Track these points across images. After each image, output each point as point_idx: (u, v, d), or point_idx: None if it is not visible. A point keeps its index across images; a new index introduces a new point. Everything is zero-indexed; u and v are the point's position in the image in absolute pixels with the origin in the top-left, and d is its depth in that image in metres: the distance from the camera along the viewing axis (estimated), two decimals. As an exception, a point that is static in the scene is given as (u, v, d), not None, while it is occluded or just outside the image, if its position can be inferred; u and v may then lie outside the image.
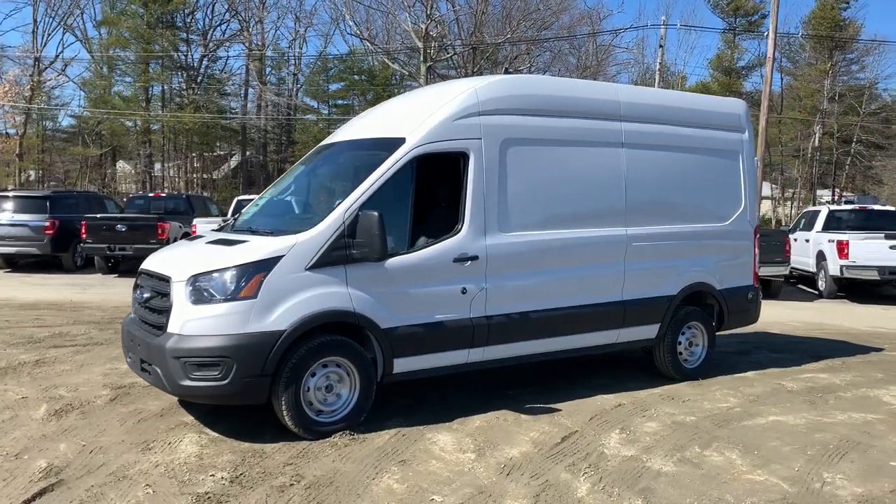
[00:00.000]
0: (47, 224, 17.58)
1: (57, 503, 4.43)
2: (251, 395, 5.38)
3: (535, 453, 5.41)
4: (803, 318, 13.33)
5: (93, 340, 9.14)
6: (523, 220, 6.49)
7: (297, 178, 7.07)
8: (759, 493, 4.78)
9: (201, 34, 46.24)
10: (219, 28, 47.40)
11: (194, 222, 17.45)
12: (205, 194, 38.46)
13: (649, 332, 7.41)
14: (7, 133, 46.63)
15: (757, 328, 11.54)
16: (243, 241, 5.72)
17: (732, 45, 44.54)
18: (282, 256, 5.41)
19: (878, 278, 15.75)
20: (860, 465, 5.31)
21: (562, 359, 7.68)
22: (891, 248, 15.37)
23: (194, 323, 5.31)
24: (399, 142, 6.05)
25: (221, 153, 51.61)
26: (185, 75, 46.08)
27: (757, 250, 8.31)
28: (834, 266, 16.01)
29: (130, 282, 6.62)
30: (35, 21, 44.11)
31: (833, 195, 44.66)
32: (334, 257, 5.56)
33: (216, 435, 5.64)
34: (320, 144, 7.37)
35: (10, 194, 19.07)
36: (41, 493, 4.53)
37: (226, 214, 17.88)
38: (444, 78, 50.48)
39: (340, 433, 5.60)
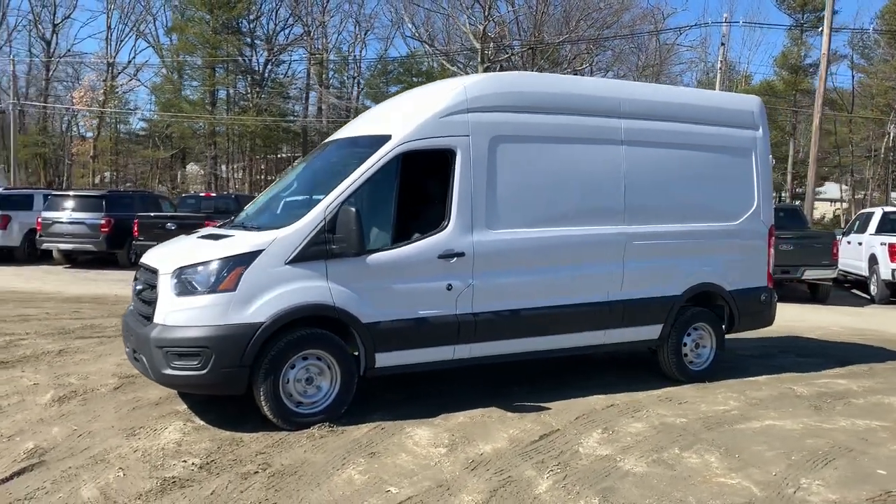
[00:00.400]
0: (103, 222, 18.30)
1: (32, 482, 4.66)
2: (230, 385, 5.53)
3: (508, 450, 5.40)
4: (847, 324, 12.85)
5: (119, 332, 9.49)
6: (514, 217, 6.48)
7: (295, 175, 7.23)
8: (724, 497, 4.67)
9: (265, 39, 47.39)
10: (282, 33, 48.54)
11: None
12: (255, 194, 39.38)
13: (651, 332, 7.29)
14: (83, 136, 48.83)
15: (792, 332, 11.30)
16: (228, 236, 5.90)
17: (799, 42, 43.16)
18: (261, 251, 5.55)
19: (933, 283, 15.07)
20: (844, 472, 5.12)
21: (565, 357, 7.69)
22: (946, 251, 14.68)
23: (177, 314, 5.50)
24: (385, 139, 6.13)
25: (285, 156, 52.79)
26: (249, 79, 47.32)
27: (772, 250, 8.05)
28: (885, 270, 15.38)
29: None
30: (109, 28, 46.10)
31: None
32: (315, 252, 5.67)
33: (202, 423, 5.82)
34: (322, 143, 7.51)
35: (70, 193, 19.92)
36: (20, 472, 4.78)
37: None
38: (504, 79, 50.52)
39: (320, 425, 5.70)
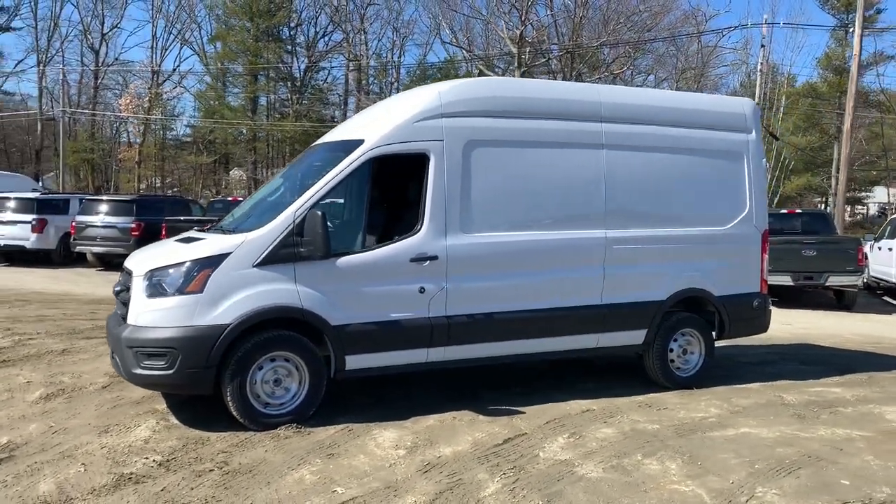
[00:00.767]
0: (133, 226, 18.79)
1: (-3, 475, 4.84)
2: (196, 385, 5.67)
3: (468, 453, 5.43)
4: (866, 331, 12.52)
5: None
6: (489, 221, 6.50)
7: (279, 179, 7.37)
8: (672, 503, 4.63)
9: (305, 46, 48.10)
10: (322, 40, 49.19)
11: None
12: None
13: (635, 337, 7.23)
14: (129, 142, 50.14)
15: (805, 339, 11.08)
16: (200, 240, 6.04)
17: (843, 43, 42.06)
18: (229, 254, 5.68)
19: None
20: (805, 482, 5.02)
21: (555, 361, 7.68)
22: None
23: (147, 315, 5.66)
24: (357, 143, 6.22)
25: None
26: (289, 85, 48.06)
27: (766, 256, 7.91)
28: (914, 276, 14.93)
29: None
30: (154, 37, 47.28)
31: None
32: (283, 255, 5.77)
33: (175, 422, 5.97)
34: (309, 147, 7.63)
35: (103, 198, 20.50)
36: (-12, 466, 4.97)
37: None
38: (542, 83, 50.40)
39: (287, 426, 5.80)
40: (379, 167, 6.20)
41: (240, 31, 44.43)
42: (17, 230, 19.47)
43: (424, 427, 6.00)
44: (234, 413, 5.72)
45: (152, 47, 48.05)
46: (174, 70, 49.65)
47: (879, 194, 51.37)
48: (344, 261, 5.97)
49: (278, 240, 5.76)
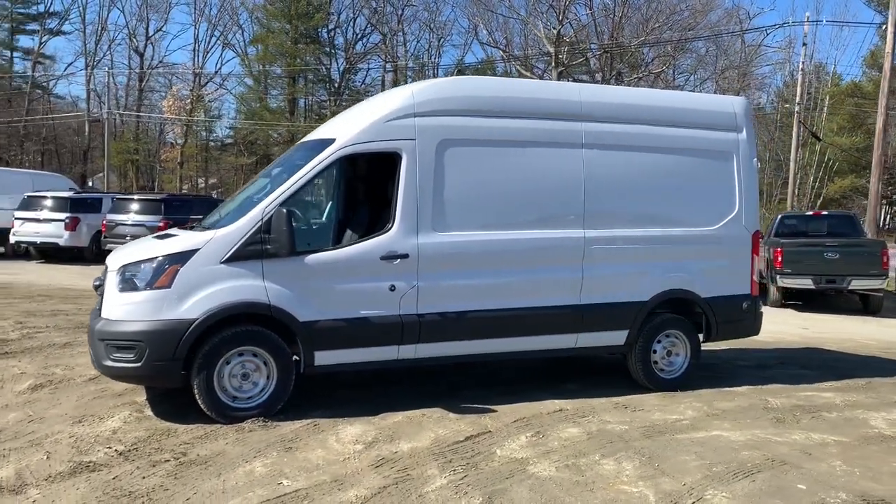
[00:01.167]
0: (161, 224, 19.16)
1: (-35, 461, 5.04)
2: (163, 378, 5.81)
3: (425, 449, 5.46)
4: (885, 337, 12.21)
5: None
6: (462, 220, 6.51)
7: (261, 177, 7.48)
8: (615, 504, 4.60)
9: (343, 48, 48.62)
10: (360, 42, 49.66)
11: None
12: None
13: (615, 338, 7.17)
14: (172, 143, 51.27)
15: (817, 343, 10.86)
16: (173, 236, 6.18)
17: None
18: (197, 250, 5.81)
19: None
20: (760, 486, 4.94)
21: (545, 360, 7.66)
22: None
23: (118, 309, 5.82)
24: (329, 142, 6.30)
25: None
26: (328, 87, 48.63)
27: (756, 257, 7.75)
28: (943, 280, 14.47)
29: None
30: (196, 40, 48.26)
31: None
32: (250, 252, 5.88)
33: (149, 414, 6.12)
34: (294, 145, 7.75)
35: (134, 197, 21.01)
36: (-42, 453, 5.16)
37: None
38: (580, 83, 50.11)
39: (254, 419, 5.90)
40: (351, 166, 6.28)
41: (279, 33, 45.09)
42: (51, 228, 20.08)
43: (391, 423, 6.05)
44: (202, 406, 5.84)
45: (194, 50, 49.21)
46: (216, 72, 50.69)
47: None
48: (313, 258, 6.06)
49: (246, 237, 5.87)
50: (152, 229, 19.23)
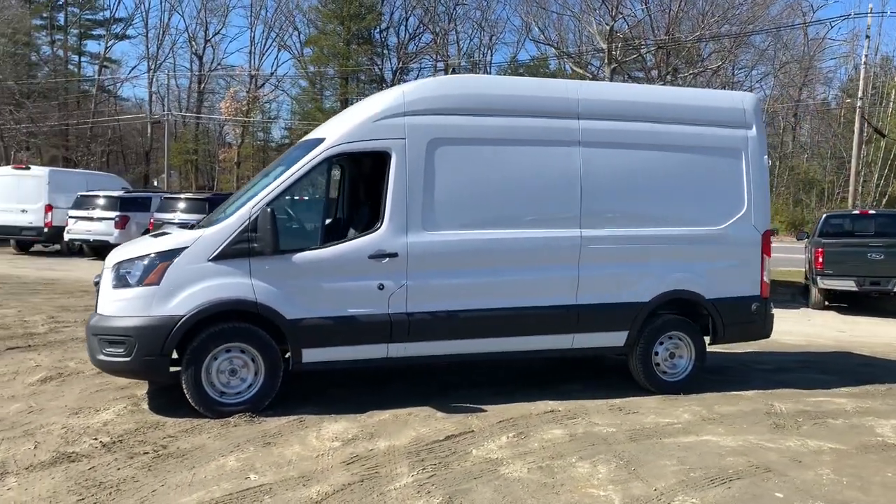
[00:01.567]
0: (204, 223, 19.67)
1: (-41, 449, 5.27)
2: (152, 372, 5.97)
3: (402, 447, 5.47)
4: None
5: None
6: (453, 219, 6.50)
7: (261, 176, 7.58)
8: (577, 507, 4.53)
9: (395, 48, 48.96)
10: (412, 41, 49.94)
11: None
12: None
13: (615, 339, 7.05)
14: (229, 144, 52.48)
15: (848, 347, 10.48)
16: (166, 235, 6.33)
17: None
18: (185, 248, 5.94)
19: None
20: (734, 493, 4.79)
21: (553, 360, 7.59)
22: None
23: (111, 305, 6.00)
24: (318, 142, 6.37)
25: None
26: (380, 87, 49.03)
27: (767, 257, 7.50)
28: None
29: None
30: (252, 42, 49.24)
31: None
32: (238, 250, 5.98)
33: (144, 407, 6.30)
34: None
35: (180, 196, 21.56)
36: (-48, 442, 5.40)
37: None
38: (634, 80, 49.39)
39: (240, 414, 6.01)
40: (340, 165, 6.32)
41: (331, 35, 45.68)
42: (102, 226, 20.78)
43: (376, 421, 6.08)
44: (190, 400, 5.97)
45: (250, 52, 50.21)
46: (272, 73, 51.66)
47: None
48: (300, 256, 6.13)
49: (233, 236, 5.98)
50: (197, 228, 19.81)
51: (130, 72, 55.83)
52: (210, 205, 20.26)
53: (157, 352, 5.83)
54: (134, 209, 21.27)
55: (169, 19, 53.13)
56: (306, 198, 6.69)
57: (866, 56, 35.33)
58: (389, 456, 5.30)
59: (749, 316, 7.47)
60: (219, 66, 53.44)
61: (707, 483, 4.95)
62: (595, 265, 6.87)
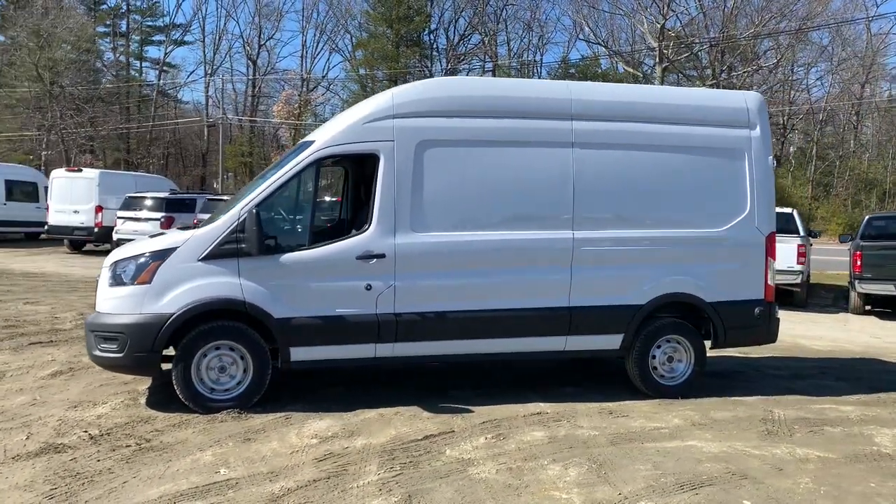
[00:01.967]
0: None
1: (-42, 438, 5.54)
2: (143, 368, 6.18)
3: (378, 446, 5.53)
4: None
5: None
6: (443, 220, 6.54)
7: (258, 178, 7.74)
8: (533, 510, 4.53)
9: (444, 50, 49.18)
10: (461, 43, 50.03)
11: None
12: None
13: (610, 342, 6.98)
14: (283, 146, 53.40)
15: (878, 354, 10.13)
16: (161, 235, 6.53)
17: None
18: (176, 248, 6.13)
19: None
20: (701, 499, 4.72)
21: (559, 362, 7.57)
22: None
23: (107, 302, 6.22)
24: (308, 144, 6.48)
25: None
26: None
27: (771, 260, 7.31)
28: None
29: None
30: (304, 45, 50.08)
31: None
32: (227, 250, 6.14)
33: (140, 402, 6.51)
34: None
35: (223, 198, 22.08)
36: (-50, 432, 5.68)
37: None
38: (688, 79, 48.54)
39: (228, 410, 6.16)
40: (329, 167, 6.41)
41: (381, 38, 46.12)
42: (148, 227, 21.33)
43: (360, 420, 6.16)
44: (180, 396, 6.16)
45: (302, 56, 51.06)
46: (323, 76, 52.46)
47: None
48: (288, 257, 6.25)
49: (222, 236, 6.14)
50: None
51: (189, 76, 57.50)
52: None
53: (147, 348, 6.02)
54: (179, 210, 21.84)
55: (225, 25, 54.76)
56: (297, 199, 6.78)
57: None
58: (363, 454, 5.37)
59: (752, 320, 7.30)
60: (272, 70, 54.61)
61: (675, 489, 4.88)
62: (588, 267, 6.82)
